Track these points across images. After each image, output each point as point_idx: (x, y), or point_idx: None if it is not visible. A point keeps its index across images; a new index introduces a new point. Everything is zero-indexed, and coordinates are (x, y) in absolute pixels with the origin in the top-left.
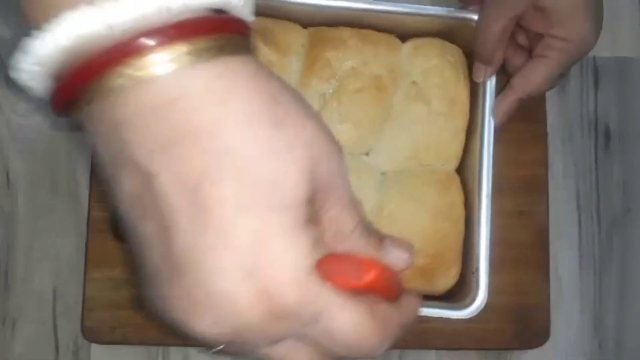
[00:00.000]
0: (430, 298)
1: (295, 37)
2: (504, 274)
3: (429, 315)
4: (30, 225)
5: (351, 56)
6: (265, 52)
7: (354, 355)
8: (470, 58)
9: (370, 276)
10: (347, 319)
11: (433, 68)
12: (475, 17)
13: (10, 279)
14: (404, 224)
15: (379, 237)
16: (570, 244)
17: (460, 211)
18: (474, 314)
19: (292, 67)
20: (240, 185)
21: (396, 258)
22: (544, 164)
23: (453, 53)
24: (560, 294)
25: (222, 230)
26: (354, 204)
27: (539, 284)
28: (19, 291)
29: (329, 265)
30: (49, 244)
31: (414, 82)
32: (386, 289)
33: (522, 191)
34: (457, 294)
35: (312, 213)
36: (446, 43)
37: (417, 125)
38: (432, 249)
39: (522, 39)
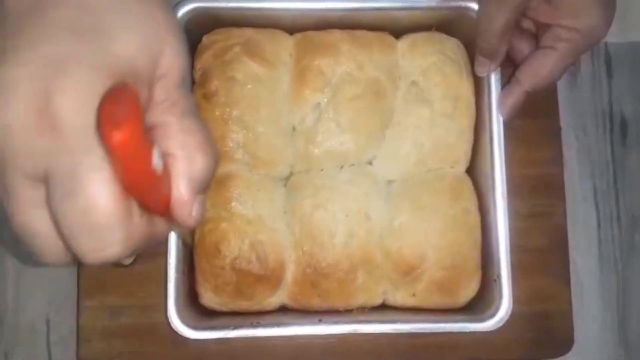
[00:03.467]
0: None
1: (283, 47)
2: (522, 281)
3: (452, 330)
4: (19, 251)
5: (344, 61)
6: (251, 66)
7: (79, 236)
8: (471, 49)
9: (123, 132)
10: (98, 188)
11: (432, 66)
12: (475, 6)
13: (1, 311)
14: (416, 236)
15: (186, 130)
16: (589, 245)
17: (475, 218)
18: (500, 325)
19: (281, 79)
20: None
21: (187, 158)
22: (559, 161)
23: (452, 47)
24: (582, 299)
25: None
26: (186, 94)
27: (559, 289)
28: (11, 323)
29: (107, 104)
30: (40, 272)
31: (414, 83)
32: (149, 193)
33: (537, 192)
34: (478, 303)
35: (147, 79)
36: (444, 37)
37: (422, 129)
38: (449, 261)
39: (527, 23)
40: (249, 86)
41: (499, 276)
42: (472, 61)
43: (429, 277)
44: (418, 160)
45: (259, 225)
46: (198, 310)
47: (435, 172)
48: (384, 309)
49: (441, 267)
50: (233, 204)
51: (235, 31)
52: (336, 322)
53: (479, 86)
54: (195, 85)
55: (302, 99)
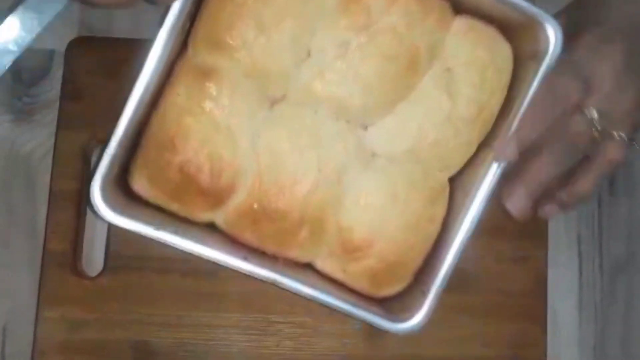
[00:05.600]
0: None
1: None
2: (500, 324)
3: (364, 319)
4: None
5: (396, 11)
6: None
7: None
8: (517, 64)
9: None
10: None
11: (477, 62)
12: (552, 23)
13: None
14: (375, 221)
15: None
16: (570, 292)
17: (435, 229)
18: (407, 332)
19: None
20: None
21: None
22: None
23: (504, 54)
24: (559, 345)
25: None
26: None
27: (536, 336)
28: None
29: None
30: (1, 279)
31: (449, 70)
32: None
33: (521, 235)
34: (395, 303)
35: None
36: (501, 39)
37: (434, 120)
38: (392, 258)
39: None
40: None
41: (428, 290)
42: (515, 73)
43: (366, 264)
44: (414, 148)
45: (226, 137)
46: (121, 191)
47: (424, 168)
48: (307, 269)
49: (381, 260)
50: (207, 102)
51: None
52: (260, 265)
53: (505, 108)
54: None
55: (334, 27)
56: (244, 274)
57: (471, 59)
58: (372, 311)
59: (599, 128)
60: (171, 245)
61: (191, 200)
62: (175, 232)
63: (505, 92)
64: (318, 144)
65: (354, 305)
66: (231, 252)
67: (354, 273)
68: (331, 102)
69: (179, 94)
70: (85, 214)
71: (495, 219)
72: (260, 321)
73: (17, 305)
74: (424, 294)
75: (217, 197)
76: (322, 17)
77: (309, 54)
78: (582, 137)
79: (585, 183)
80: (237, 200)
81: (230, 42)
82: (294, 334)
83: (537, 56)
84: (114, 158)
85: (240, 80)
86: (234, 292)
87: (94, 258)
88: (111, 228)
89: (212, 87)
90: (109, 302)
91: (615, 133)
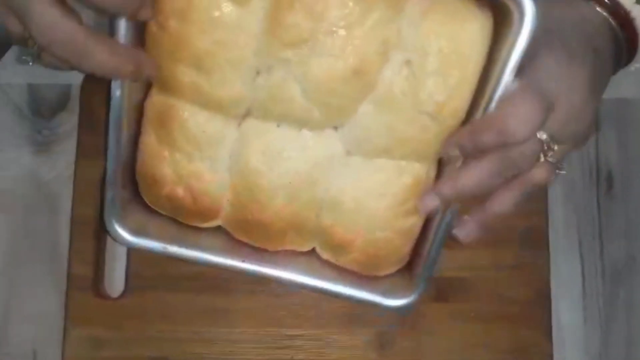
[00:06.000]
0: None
1: None
2: (503, 332)
3: (353, 296)
4: (8, 281)
5: (332, 16)
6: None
7: None
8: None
9: None
10: None
11: (438, 53)
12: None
13: None
14: (354, 217)
15: None
16: (573, 297)
17: (414, 221)
18: (398, 308)
19: (255, 15)
20: None
21: None
22: (544, 214)
23: (473, 33)
24: (564, 351)
25: None
26: None
27: (541, 343)
28: None
29: None
30: (29, 301)
31: (408, 63)
32: None
33: (522, 243)
34: (398, 280)
35: None
36: (471, 11)
37: (398, 115)
38: (374, 251)
39: None
40: (212, 25)
41: (419, 275)
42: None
43: (352, 257)
44: (386, 145)
45: (201, 166)
46: (141, 205)
47: (399, 163)
48: (312, 255)
49: (364, 253)
50: (175, 137)
51: None
52: (263, 261)
53: (482, 87)
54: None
55: (272, 48)
56: (255, 291)
57: (431, 47)
58: (370, 290)
59: (548, 152)
60: (183, 258)
61: (188, 217)
62: (185, 246)
63: (476, 77)
64: (286, 157)
65: (352, 285)
66: (237, 253)
67: (344, 263)
68: (290, 119)
69: (149, 134)
70: (105, 238)
71: (495, 227)
72: (272, 335)
73: (44, 327)
74: (415, 278)
75: (206, 215)
76: (256, 42)
77: (257, 73)
78: (529, 158)
79: (507, 201)
80: (225, 213)
81: (176, 83)
82: (306, 346)
83: (512, 28)
84: (114, 194)
85: (200, 112)
86: (246, 308)
87: (115, 279)
88: (130, 250)
89: (174, 126)
90: (130, 321)
91: (552, 154)
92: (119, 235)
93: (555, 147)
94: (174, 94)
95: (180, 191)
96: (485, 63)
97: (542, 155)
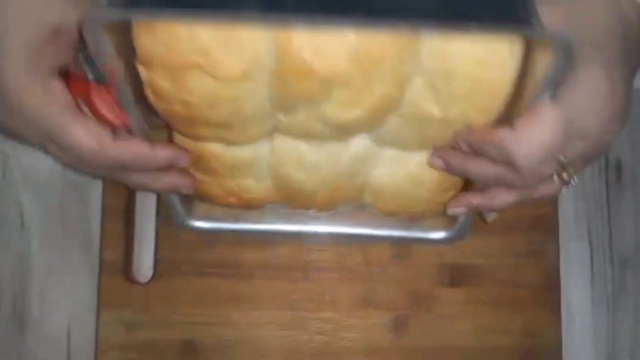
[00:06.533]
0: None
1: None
2: (514, 315)
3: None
4: (44, 266)
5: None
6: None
7: None
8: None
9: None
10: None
11: (467, 73)
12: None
13: (25, 321)
14: (392, 199)
15: None
16: (582, 282)
17: (453, 192)
18: (447, 238)
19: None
20: None
21: None
22: (554, 202)
23: (500, 57)
24: (573, 334)
25: None
26: None
27: (551, 325)
28: (33, 334)
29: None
30: (63, 285)
31: (432, 87)
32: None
33: (532, 230)
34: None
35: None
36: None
37: (427, 126)
38: (419, 216)
39: None
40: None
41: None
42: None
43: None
44: (418, 144)
45: (244, 181)
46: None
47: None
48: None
49: (411, 218)
50: (214, 168)
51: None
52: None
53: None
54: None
55: (284, 102)
56: (276, 277)
57: (455, 71)
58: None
59: (562, 173)
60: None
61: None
62: (251, 222)
63: (506, 96)
64: (322, 166)
65: (396, 228)
66: (294, 219)
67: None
68: (315, 139)
69: (190, 167)
70: (134, 225)
71: (508, 215)
72: (292, 318)
73: (77, 309)
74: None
75: (257, 207)
76: (269, 101)
77: (278, 120)
78: (537, 177)
79: (505, 199)
80: (272, 200)
81: (198, 136)
82: (324, 329)
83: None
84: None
85: (226, 151)
86: (267, 292)
87: (144, 265)
88: (159, 237)
89: (211, 160)
90: (158, 305)
91: (566, 174)
92: (194, 226)
93: (571, 170)
94: (201, 141)
95: (232, 199)
96: (518, 78)
97: (555, 175)
